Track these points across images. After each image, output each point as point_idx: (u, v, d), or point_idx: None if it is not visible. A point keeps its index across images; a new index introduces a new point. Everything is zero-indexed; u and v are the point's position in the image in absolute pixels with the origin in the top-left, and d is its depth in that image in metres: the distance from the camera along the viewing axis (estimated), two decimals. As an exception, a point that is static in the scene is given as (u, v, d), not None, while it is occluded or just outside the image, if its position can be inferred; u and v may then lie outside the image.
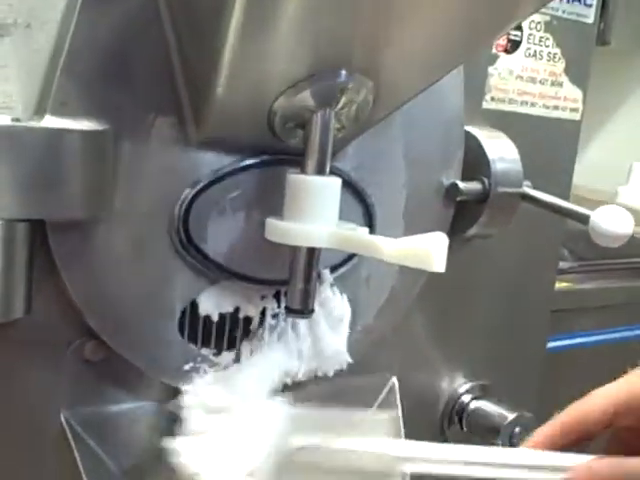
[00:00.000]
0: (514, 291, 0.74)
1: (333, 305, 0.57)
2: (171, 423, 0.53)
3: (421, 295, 0.64)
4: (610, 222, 0.57)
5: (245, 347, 0.54)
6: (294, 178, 0.48)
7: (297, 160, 0.49)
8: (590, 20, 0.69)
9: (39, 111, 0.43)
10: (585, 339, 0.86)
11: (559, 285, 0.80)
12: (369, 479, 0.47)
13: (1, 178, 0.41)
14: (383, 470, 0.47)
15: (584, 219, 0.59)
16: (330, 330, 0.57)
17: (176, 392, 0.53)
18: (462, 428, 0.72)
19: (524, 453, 0.47)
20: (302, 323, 0.56)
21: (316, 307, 0.53)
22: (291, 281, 0.50)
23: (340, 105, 0.48)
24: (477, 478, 0.45)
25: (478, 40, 0.48)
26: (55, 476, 0.51)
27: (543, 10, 0.65)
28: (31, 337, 0.48)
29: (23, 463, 0.50)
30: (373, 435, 0.48)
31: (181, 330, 0.52)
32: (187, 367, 0.52)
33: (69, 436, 0.50)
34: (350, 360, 0.58)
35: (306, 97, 0.46)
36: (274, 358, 0.55)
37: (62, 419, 0.50)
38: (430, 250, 0.43)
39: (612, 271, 0.92)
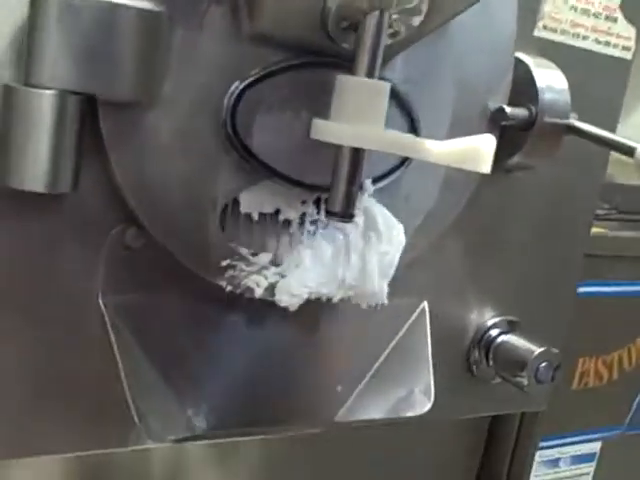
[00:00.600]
0: (550, 229, 0.73)
1: (381, 221, 0.56)
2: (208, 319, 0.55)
3: (457, 223, 0.64)
4: (657, 154, 0.57)
5: (283, 249, 0.55)
6: (343, 78, 0.48)
7: (349, 66, 0.49)
8: (650, -44, 0.68)
9: (97, -15, 0.44)
10: (617, 288, 0.85)
11: (595, 230, 0.80)
12: None
13: (56, 48, 0.42)
14: None
15: (630, 151, 0.58)
16: (378, 262, 0.56)
17: (214, 286, 0.53)
18: (488, 362, 0.73)
19: None
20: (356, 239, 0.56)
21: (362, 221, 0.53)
22: (334, 183, 0.50)
23: (395, 7, 0.48)
24: None
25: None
26: (91, 360, 0.52)
27: (603, -60, 0.64)
28: (75, 217, 0.49)
29: (59, 344, 0.51)
30: None
31: (221, 225, 0.52)
32: (224, 263, 0.53)
33: (107, 322, 0.51)
34: (386, 301, 0.58)
35: (361, -6, 0.46)
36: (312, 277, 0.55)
37: (100, 303, 0.51)
38: (477, 150, 0.43)
39: (648, 223, 0.91)
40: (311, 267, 0.55)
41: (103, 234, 0.50)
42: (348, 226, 0.55)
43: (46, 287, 0.50)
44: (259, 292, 0.54)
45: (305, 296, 0.55)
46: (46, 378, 0.52)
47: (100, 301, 0.51)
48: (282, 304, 0.54)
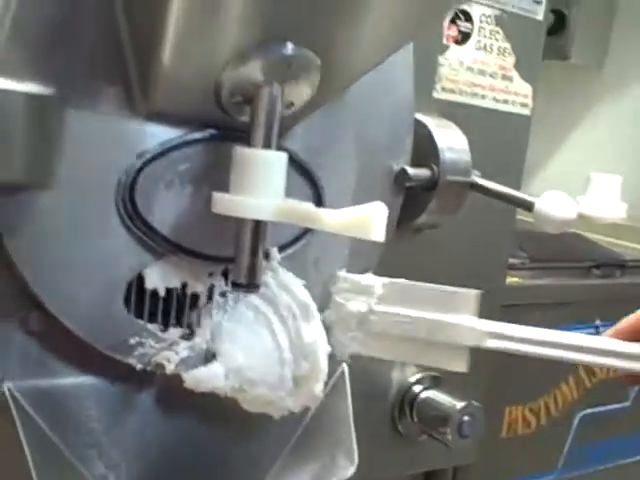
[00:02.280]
0: (464, 284, 0.74)
1: (295, 289, 0.56)
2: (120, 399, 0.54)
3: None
4: (554, 208, 0.58)
5: (193, 324, 0.55)
6: (240, 151, 0.49)
7: (246, 137, 0.50)
8: (539, 17, 0.70)
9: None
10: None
11: (510, 280, 0.81)
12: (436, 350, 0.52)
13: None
14: (467, 343, 0.52)
15: (529, 206, 0.60)
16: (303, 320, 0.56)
17: (122, 366, 0.52)
18: (413, 419, 0.73)
19: (610, 341, 0.51)
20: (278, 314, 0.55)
21: (282, 294, 0.54)
22: (237, 255, 0.50)
23: (287, 80, 0.49)
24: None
25: (425, 19, 0.49)
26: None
27: (493, 3, 0.67)
28: (-26, 304, 0.48)
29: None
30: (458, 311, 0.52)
31: (127, 303, 0.52)
32: (133, 341, 0.52)
33: (12, 408, 0.50)
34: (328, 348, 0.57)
35: (252, 69, 0.47)
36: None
37: (6, 390, 0.50)
38: (370, 218, 0.44)
39: (562, 270, 0.94)
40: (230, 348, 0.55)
41: (5, 319, 0.49)
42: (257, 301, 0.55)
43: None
44: (170, 368, 0.53)
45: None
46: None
47: (5, 388, 0.50)
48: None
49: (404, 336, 0.54)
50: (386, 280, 0.56)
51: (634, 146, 1.42)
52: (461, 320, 0.52)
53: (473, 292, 0.53)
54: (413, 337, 0.53)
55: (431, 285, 0.54)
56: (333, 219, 0.46)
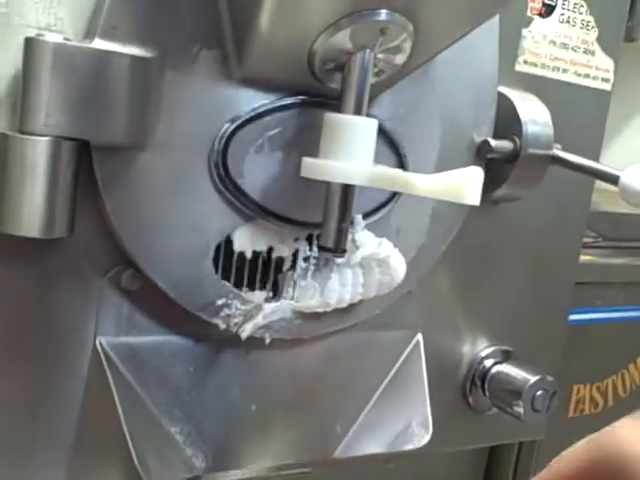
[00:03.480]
0: (539, 259, 0.74)
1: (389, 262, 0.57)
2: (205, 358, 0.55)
3: (448, 254, 0.65)
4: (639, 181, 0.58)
5: (278, 287, 0.56)
6: (331, 117, 0.49)
7: (336, 104, 0.50)
8: (623, -9, 0.70)
9: (89, 35, 0.45)
10: (608, 314, 0.86)
11: (583, 258, 0.81)
12: None
13: (50, 96, 0.43)
14: None
15: (614, 179, 0.60)
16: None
17: (209, 326, 0.54)
18: (484, 393, 0.73)
19: None
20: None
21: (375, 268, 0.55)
22: (325, 220, 0.51)
23: (379, 47, 0.49)
24: None
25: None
26: (89, 402, 0.53)
27: (578, -24, 0.66)
28: (70, 260, 0.50)
29: (58, 387, 0.52)
30: None
31: (215, 265, 0.53)
32: (220, 302, 0.54)
33: (104, 364, 0.52)
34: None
35: (346, 36, 0.47)
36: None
37: (98, 346, 0.52)
38: (465, 183, 0.44)
39: (634, 249, 0.93)
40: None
41: (99, 277, 0.51)
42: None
43: (44, 330, 0.50)
44: (254, 330, 0.55)
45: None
46: (45, 420, 0.52)
47: (97, 343, 0.52)
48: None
49: None
50: None
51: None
52: None
53: None
54: None
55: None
56: (426, 183, 0.46)
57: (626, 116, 1.51)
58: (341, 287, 0.56)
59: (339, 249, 0.51)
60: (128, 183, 0.48)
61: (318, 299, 0.56)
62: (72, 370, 0.52)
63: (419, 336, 0.66)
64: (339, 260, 0.55)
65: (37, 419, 0.52)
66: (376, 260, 0.56)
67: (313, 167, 0.50)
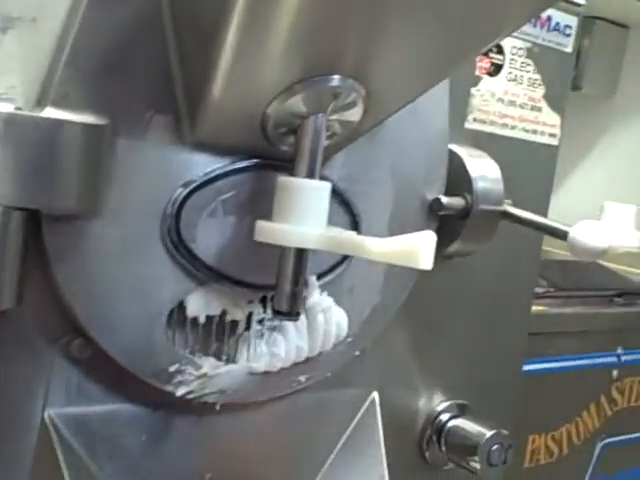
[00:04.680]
0: (492, 312, 0.75)
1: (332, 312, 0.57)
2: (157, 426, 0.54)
3: (401, 310, 0.65)
4: (589, 237, 0.59)
5: (231, 351, 0.55)
6: (284, 180, 0.49)
7: (289, 166, 0.50)
8: (569, 49, 0.71)
9: (41, 103, 0.44)
10: (561, 364, 0.87)
11: (535, 309, 0.82)
12: None
13: (1, 165, 0.42)
14: None
15: (563, 235, 0.60)
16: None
17: (162, 393, 0.53)
18: (441, 448, 0.73)
19: None
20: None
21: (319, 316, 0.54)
22: (279, 283, 0.50)
23: (332, 111, 0.49)
24: None
25: (464, 52, 0.50)
26: (38, 477, 0.51)
27: (525, 37, 0.68)
28: (19, 330, 0.48)
29: (5, 461, 0.50)
30: None
31: (168, 330, 0.52)
32: (172, 369, 0.52)
33: (53, 437, 0.50)
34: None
35: (299, 101, 0.48)
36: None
37: (47, 419, 0.50)
38: (418, 247, 0.44)
39: (585, 298, 0.94)
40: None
41: (49, 346, 0.50)
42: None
43: (-10, 403, 0.49)
44: (209, 395, 0.54)
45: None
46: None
47: (46, 415, 0.50)
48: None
49: None
50: None
51: (647, 175, 1.44)
52: None
53: None
54: None
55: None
56: (379, 248, 0.46)
57: (573, 162, 1.55)
58: (286, 342, 0.56)
59: (293, 312, 0.51)
60: (79, 252, 0.47)
61: (266, 359, 0.55)
62: (20, 443, 0.50)
63: (375, 394, 0.65)
64: None
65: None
66: (320, 309, 0.56)
67: (266, 231, 0.49)
